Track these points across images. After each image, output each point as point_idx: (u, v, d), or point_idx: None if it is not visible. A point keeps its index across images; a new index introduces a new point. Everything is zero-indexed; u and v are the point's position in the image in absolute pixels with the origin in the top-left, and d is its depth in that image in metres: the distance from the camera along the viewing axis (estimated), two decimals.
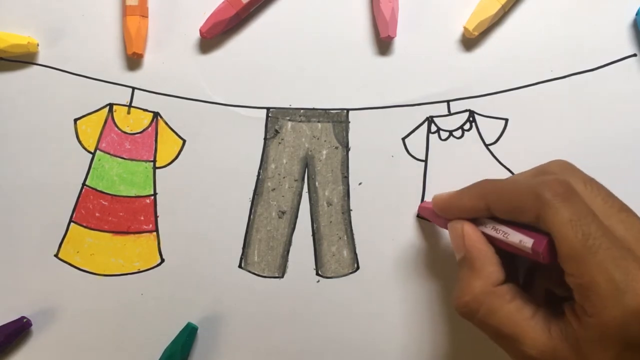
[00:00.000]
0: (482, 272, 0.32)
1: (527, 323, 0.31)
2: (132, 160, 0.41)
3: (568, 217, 0.29)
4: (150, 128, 0.41)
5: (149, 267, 0.41)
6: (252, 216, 0.41)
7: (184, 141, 0.41)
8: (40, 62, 0.41)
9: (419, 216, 0.40)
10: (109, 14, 0.41)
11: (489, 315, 0.31)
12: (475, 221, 0.34)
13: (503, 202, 0.32)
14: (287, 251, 0.41)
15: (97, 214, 0.41)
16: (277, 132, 0.41)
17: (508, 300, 0.31)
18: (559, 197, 0.30)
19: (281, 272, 0.41)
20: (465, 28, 0.40)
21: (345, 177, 0.41)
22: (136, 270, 0.41)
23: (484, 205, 0.33)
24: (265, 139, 0.41)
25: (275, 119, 0.41)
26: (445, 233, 0.41)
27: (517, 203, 0.31)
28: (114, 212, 0.41)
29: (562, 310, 0.31)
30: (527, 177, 0.34)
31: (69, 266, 0.41)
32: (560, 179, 0.31)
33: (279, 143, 0.41)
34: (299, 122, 0.41)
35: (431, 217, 0.39)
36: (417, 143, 0.41)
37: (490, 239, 0.33)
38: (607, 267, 0.28)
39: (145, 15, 0.40)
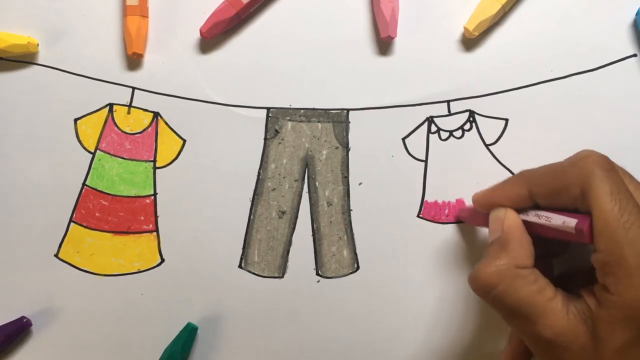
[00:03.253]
0: (512, 252, 0.32)
1: (546, 304, 0.30)
2: (132, 160, 0.41)
3: (609, 189, 0.29)
4: (150, 128, 0.41)
5: (149, 267, 0.41)
6: (252, 216, 0.41)
7: (184, 141, 0.41)
8: (40, 62, 0.41)
9: (459, 217, 0.40)
10: (109, 14, 0.41)
11: (508, 293, 0.31)
12: (517, 211, 0.34)
13: (547, 182, 0.33)
14: (287, 251, 0.41)
15: (97, 214, 0.41)
16: (277, 132, 0.41)
17: (530, 282, 0.31)
18: (603, 169, 0.30)
19: (281, 272, 0.41)
20: (465, 28, 0.40)
21: (346, 177, 0.41)
22: (136, 270, 0.41)
23: (526, 192, 0.33)
24: (265, 139, 0.41)
25: (276, 119, 0.41)
26: (447, 233, 0.41)
27: (562, 179, 0.31)
28: (114, 212, 0.41)
29: (579, 295, 0.31)
30: (563, 162, 0.34)
31: (69, 266, 0.41)
32: (602, 155, 0.31)
33: (279, 143, 0.41)
34: (299, 122, 0.41)
35: (470, 217, 0.39)
36: (417, 143, 0.41)
37: (532, 229, 0.33)
38: (638, 244, 0.28)
39: (145, 15, 0.40)
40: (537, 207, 0.34)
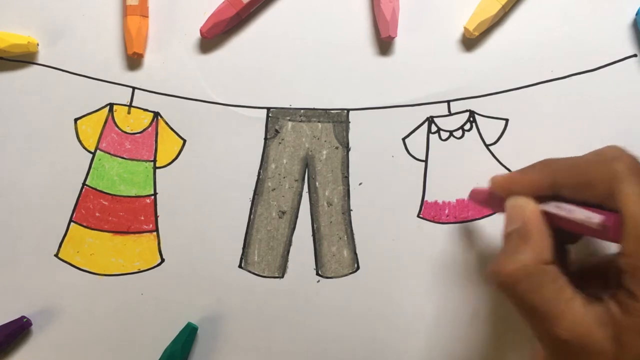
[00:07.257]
0: (535, 246, 0.31)
1: (565, 305, 0.29)
2: (132, 160, 0.41)
3: None
4: (150, 128, 0.41)
5: (149, 267, 0.41)
6: (252, 216, 0.41)
7: (184, 141, 0.41)
8: (40, 62, 0.41)
9: (471, 199, 0.39)
10: (109, 14, 0.41)
11: (531, 290, 0.30)
12: (536, 200, 0.33)
13: (573, 176, 0.31)
14: (287, 251, 0.41)
15: (97, 214, 0.41)
16: (277, 132, 0.41)
17: (552, 279, 0.30)
18: (634, 172, 0.29)
19: (281, 272, 0.41)
20: (465, 28, 0.40)
21: (346, 177, 0.41)
22: (136, 270, 0.41)
23: (550, 181, 0.32)
24: (265, 139, 0.41)
25: (276, 119, 0.41)
26: (447, 233, 0.41)
27: (589, 175, 0.30)
28: (114, 212, 0.41)
29: (600, 298, 0.30)
30: (590, 156, 0.32)
31: (69, 266, 0.41)
32: (632, 156, 0.30)
33: (279, 143, 0.41)
34: (299, 122, 0.41)
35: (485, 200, 0.37)
36: (417, 143, 0.41)
37: (551, 220, 0.32)
38: None
39: (145, 15, 0.40)
40: (556, 197, 0.32)
